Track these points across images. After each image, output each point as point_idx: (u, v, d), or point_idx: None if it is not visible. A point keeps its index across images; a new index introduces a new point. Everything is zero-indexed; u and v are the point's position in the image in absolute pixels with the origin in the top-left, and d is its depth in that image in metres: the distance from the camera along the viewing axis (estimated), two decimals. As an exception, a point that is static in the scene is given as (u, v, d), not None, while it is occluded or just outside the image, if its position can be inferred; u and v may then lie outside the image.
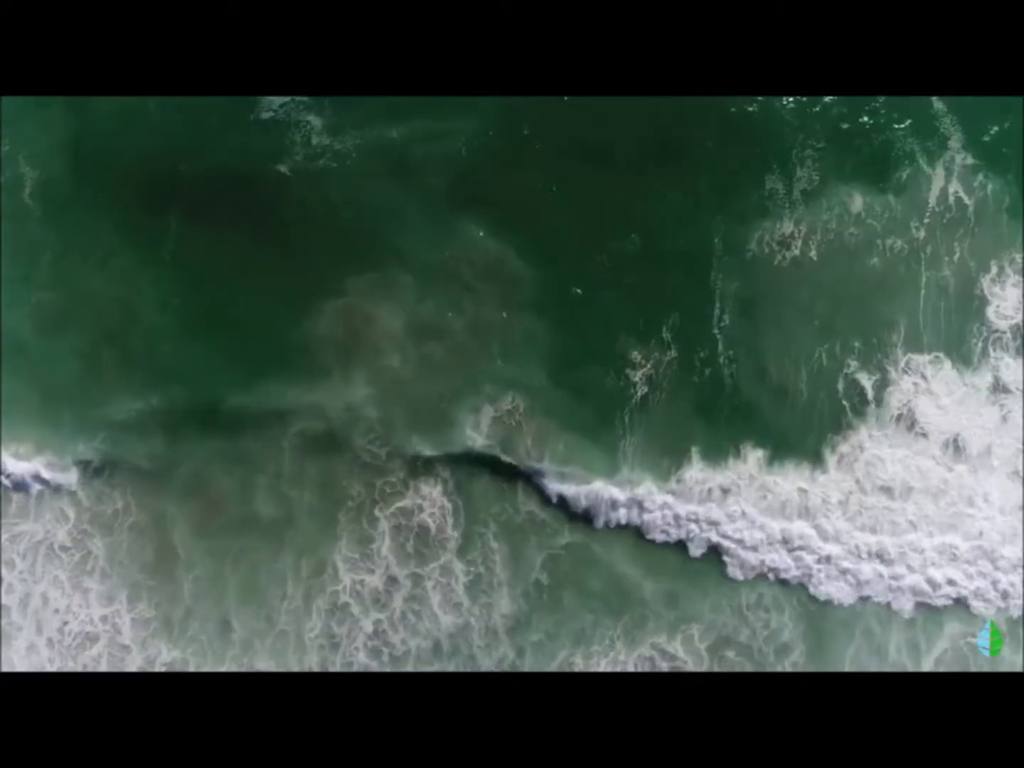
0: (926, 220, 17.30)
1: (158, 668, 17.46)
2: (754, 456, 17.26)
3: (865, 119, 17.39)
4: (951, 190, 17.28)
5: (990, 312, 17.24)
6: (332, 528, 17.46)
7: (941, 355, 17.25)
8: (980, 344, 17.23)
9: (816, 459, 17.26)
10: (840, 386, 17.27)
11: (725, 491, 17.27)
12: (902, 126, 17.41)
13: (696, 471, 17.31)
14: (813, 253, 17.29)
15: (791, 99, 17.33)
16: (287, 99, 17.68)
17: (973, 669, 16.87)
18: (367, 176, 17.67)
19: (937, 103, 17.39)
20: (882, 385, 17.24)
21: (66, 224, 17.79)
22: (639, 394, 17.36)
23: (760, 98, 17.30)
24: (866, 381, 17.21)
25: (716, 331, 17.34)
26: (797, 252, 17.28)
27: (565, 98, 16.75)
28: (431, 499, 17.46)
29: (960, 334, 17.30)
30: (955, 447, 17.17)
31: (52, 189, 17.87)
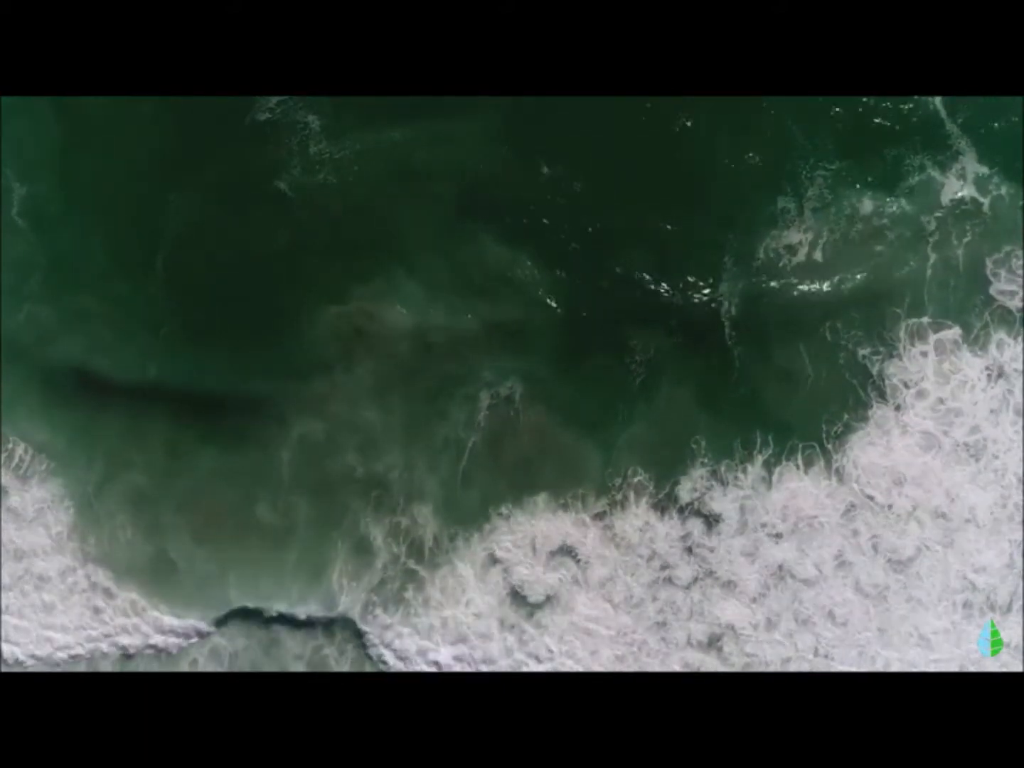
0: (937, 215, 17.28)
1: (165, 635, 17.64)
2: (756, 468, 17.24)
3: (878, 121, 17.33)
4: (965, 192, 17.26)
5: (994, 292, 17.20)
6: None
7: (949, 322, 17.15)
8: (985, 324, 17.18)
9: (815, 467, 17.24)
10: (845, 374, 17.24)
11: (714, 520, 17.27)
12: (914, 139, 17.36)
13: (691, 484, 17.31)
14: (818, 254, 17.25)
15: (800, 115, 17.37)
16: (285, 96, 17.59)
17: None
18: (369, 187, 17.59)
19: (949, 124, 17.32)
20: (886, 367, 17.14)
21: (56, 240, 17.69)
22: (639, 380, 17.34)
23: (772, 113, 17.31)
24: (872, 365, 17.14)
25: (723, 318, 17.36)
26: (803, 258, 17.27)
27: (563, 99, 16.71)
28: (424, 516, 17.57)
29: (964, 309, 17.22)
30: (959, 446, 17.15)
31: (40, 205, 17.75)
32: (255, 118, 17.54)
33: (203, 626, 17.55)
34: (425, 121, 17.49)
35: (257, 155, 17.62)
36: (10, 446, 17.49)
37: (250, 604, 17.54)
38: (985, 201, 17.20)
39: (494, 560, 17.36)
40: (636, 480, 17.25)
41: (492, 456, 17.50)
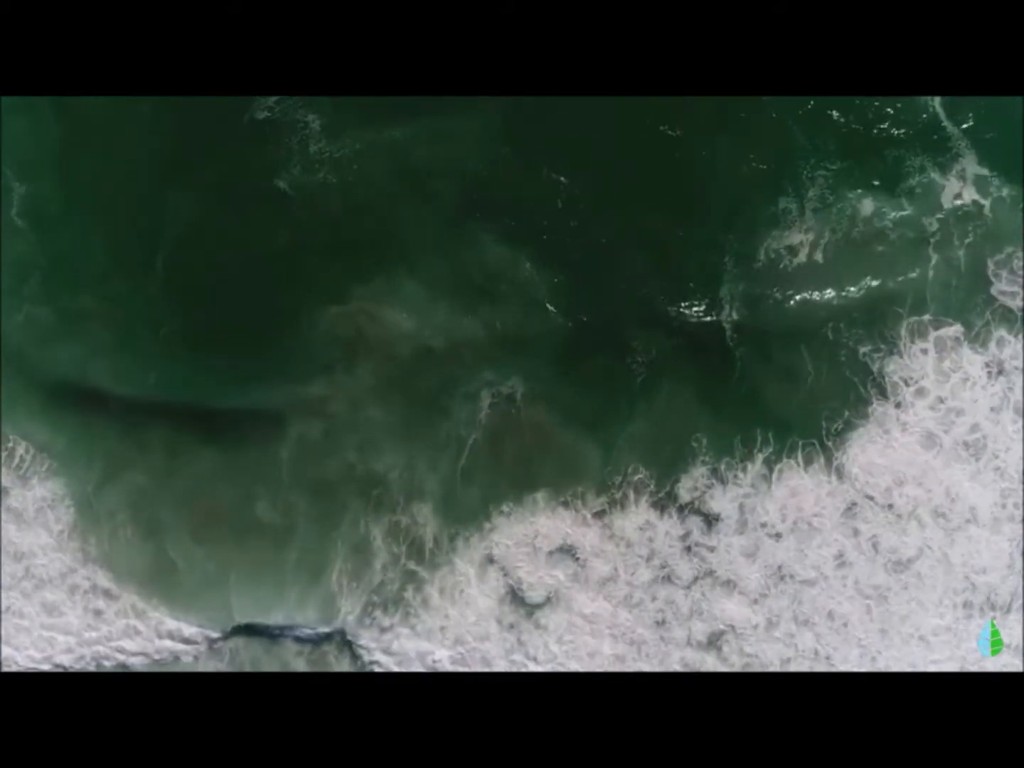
0: (938, 216, 17.27)
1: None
2: (756, 466, 17.23)
3: (879, 122, 17.31)
4: (966, 194, 17.25)
5: (995, 292, 17.19)
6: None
7: (950, 320, 17.13)
8: (986, 322, 17.16)
9: (815, 464, 17.23)
10: (845, 371, 17.22)
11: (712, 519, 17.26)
12: (914, 142, 17.34)
13: (691, 482, 17.30)
14: (820, 255, 17.25)
15: (801, 116, 17.34)
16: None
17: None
18: (369, 186, 17.56)
19: (950, 127, 17.31)
20: (887, 364, 17.13)
21: (55, 240, 17.66)
22: (640, 379, 17.32)
23: (773, 112, 17.30)
24: (872, 363, 17.14)
25: (724, 322, 17.36)
26: (804, 259, 17.26)
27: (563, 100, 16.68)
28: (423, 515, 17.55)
29: (965, 309, 17.20)
30: (959, 444, 17.13)
31: (40, 205, 17.70)
32: (254, 117, 17.48)
33: (205, 635, 17.61)
34: (425, 120, 17.44)
35: (257, 154, 17.59)
36: (11, 445, 17.49)
37: (251, 620, 17.55)
38: (986, 203, 17.19)
39: (493, 560, 17.36)
40: (636, 478, 17.26)
41: (492, 454, 17.50)
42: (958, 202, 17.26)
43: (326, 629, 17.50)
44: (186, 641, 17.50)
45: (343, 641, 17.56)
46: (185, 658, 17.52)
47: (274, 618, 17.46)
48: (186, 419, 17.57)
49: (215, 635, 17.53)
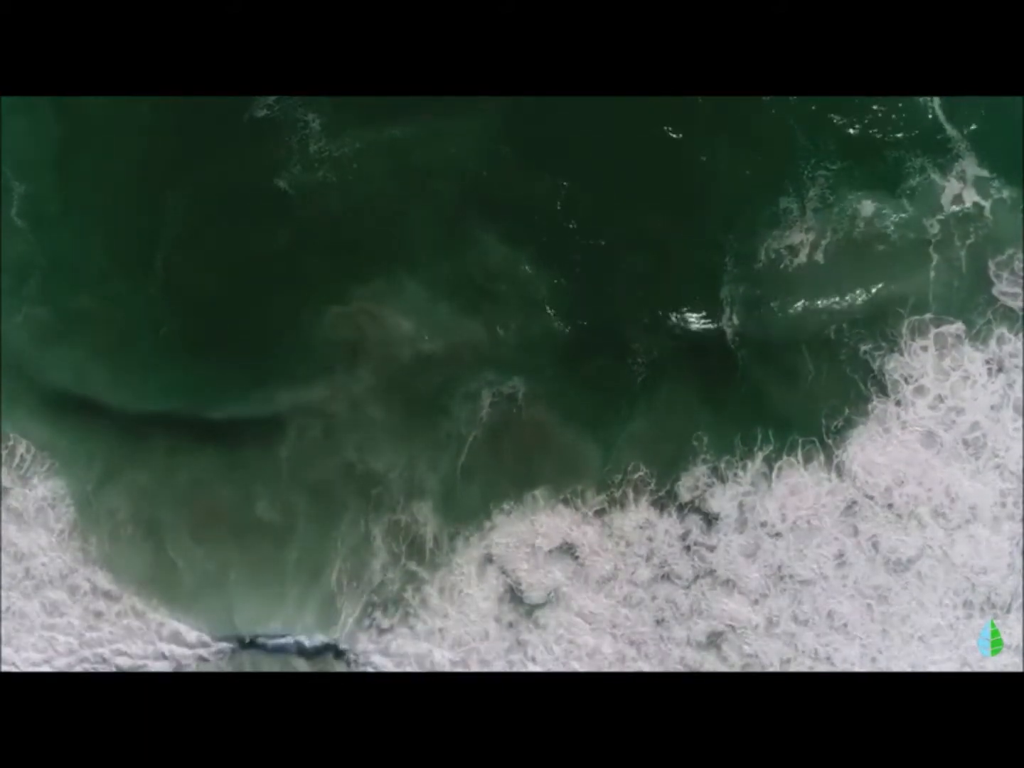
0: (939, 217, 17.27)
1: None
2: (756, 464, 17.22)
3: (879, 122, 17.30)
4: (966, 195, 17.24)
5: (996, 293, 17.18)
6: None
7: (951, 318, 17.13)
8: (987, 321, 17.16)
9: (814, 462, 17.24)
10: (846, 369, 17.22)
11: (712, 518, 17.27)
12: (914, 143, 17.33)
13: (691, 480, 17.30)
14: (820, 255, 17.24)
15: (801, 116, 17.34)
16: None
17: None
18: (369, 185, 17.56)
19: (950, 128, 17.31)
20: (887, 362, 17.13)
21: (55, 240, 17.64)
22: (640, 379, 17.33)
23: (773, 112, 17.28)
24: (872, 361, 17.14)
25: (724, 321, 17.36)
26: (805, 259, 17.25)
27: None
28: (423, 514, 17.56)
29: (967, 308, 17.20)
30: (959, 443, 17.13)
31: (40, 205, 17.69)
32: (253, 115, 17.50)
33: (205, 639, 17.64)
34: (425, 120, 17.46)
35: (256, 154, 17.61)
36: (11, 444, 17.49)
37: (253, 632, 17.63)
38: (986, 204, 17.18)
39: (493, 559, 17.37)
40: (637, 476, 17.28)
41: (493, 453, 17.52)
42: (960, 198, 17.27)
43: (324, 639, 17.51)
44: (187, 645, 17.51)
45: (341, 650, 17.61)
46: (185, 661, 17.52)
47: (274, 627, 17.49)
48: (186, 419, 17.57)
49: (217, 643, 17.56)
